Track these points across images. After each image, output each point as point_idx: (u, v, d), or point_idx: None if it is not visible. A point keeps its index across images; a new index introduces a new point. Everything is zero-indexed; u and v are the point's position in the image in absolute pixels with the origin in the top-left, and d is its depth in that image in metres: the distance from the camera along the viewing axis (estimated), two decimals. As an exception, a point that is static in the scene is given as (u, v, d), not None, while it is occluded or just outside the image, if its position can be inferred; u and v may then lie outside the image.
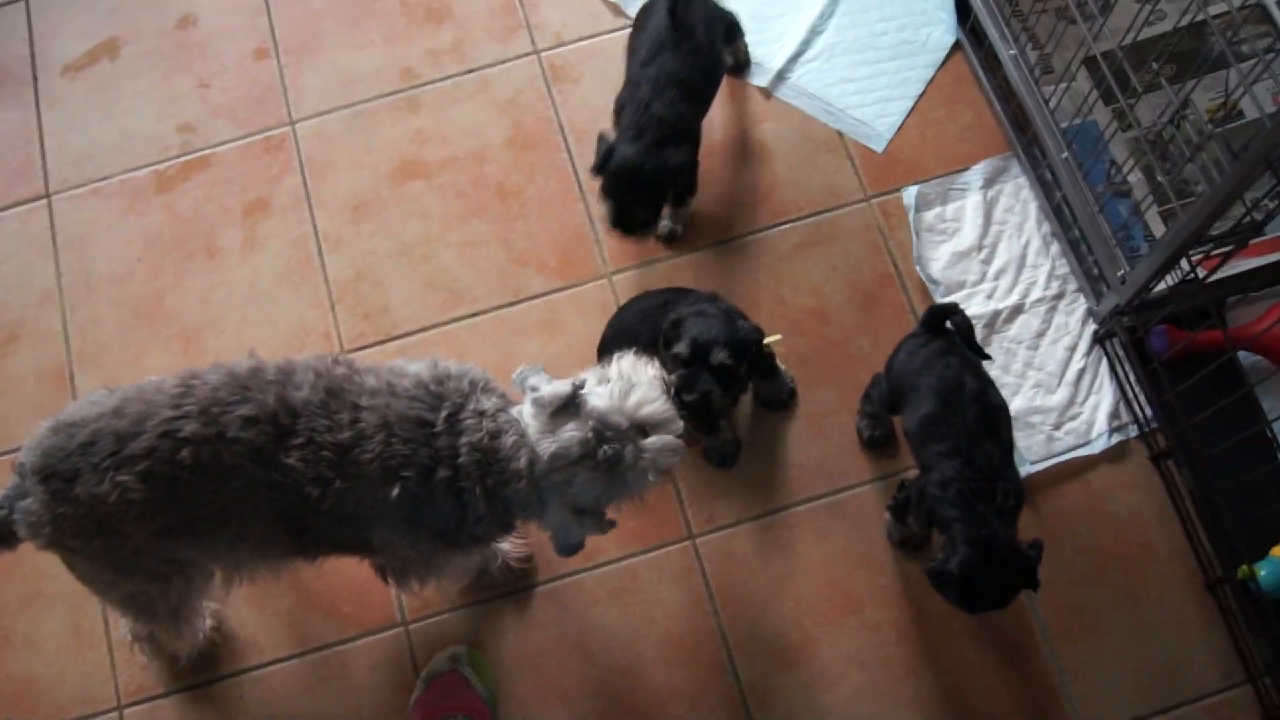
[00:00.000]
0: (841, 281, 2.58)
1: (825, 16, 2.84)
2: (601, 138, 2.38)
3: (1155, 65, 2.15)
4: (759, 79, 2.78)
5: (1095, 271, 2.51)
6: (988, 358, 2.21)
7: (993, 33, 2.60)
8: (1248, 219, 2.04)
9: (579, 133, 2.75)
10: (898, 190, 2.66)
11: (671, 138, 2.35)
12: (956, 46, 2.80)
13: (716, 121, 2.75)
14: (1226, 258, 2.20)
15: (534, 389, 1.80)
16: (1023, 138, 2.64)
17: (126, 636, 2.22)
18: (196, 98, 2.85)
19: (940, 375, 2.10)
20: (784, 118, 2.75)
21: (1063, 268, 2.57)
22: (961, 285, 2.56)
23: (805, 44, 2.81)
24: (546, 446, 1.76)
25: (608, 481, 1.78)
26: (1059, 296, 2.55)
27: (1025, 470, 2.38)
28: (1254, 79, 1.90)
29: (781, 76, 2.79)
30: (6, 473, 2.44)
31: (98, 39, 2.93)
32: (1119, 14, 2.38)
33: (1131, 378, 2.44)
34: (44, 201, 2.76)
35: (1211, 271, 2.23)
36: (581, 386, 1.80)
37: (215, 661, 2.33)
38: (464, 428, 1.79)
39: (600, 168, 2.35)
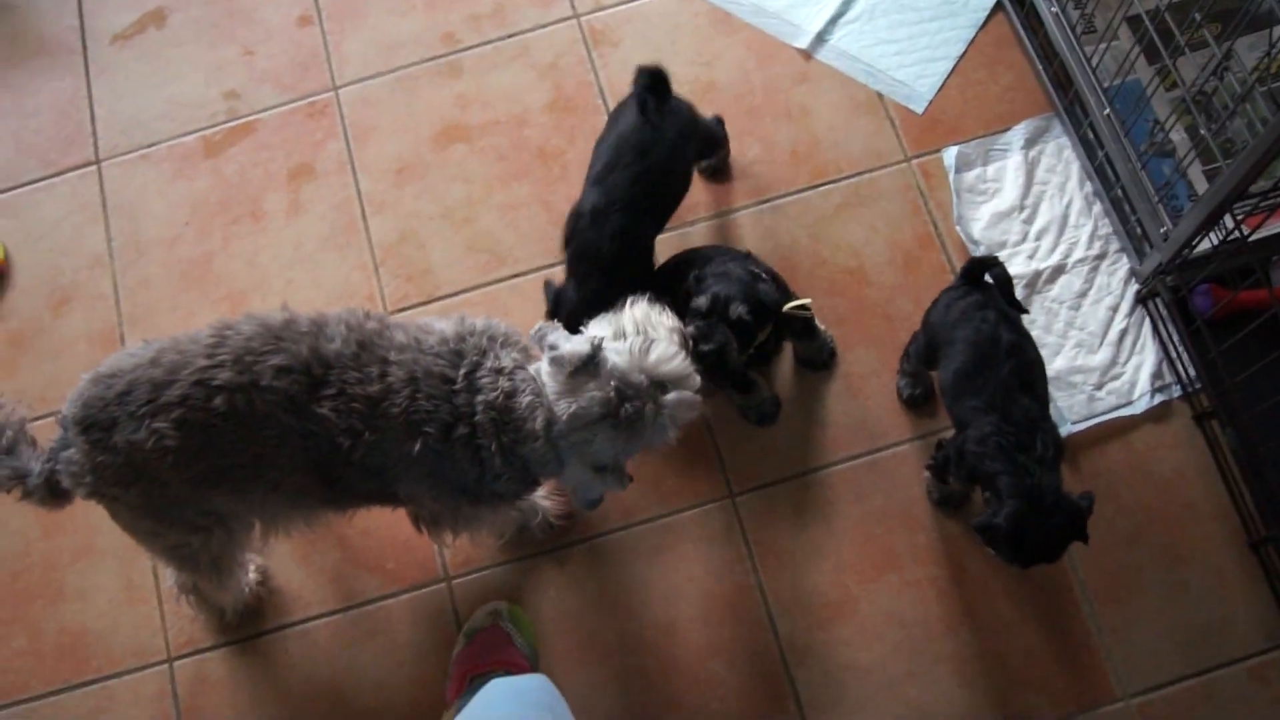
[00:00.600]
0: (881, 242, 2.58)
1: (866, -23, 2.84)
2: (547, 284, 2.40)
3: (1198, 18, 2.12)
4: (799, 41, 2.78)
5: (1138, 231, 2.49)
6: (1025, 311, 2.20)
7: (1034, -10, 2.58)
8: (1292, 174, 2.03)
9: (619, 96, 2.73)
10: (938, 151, 2.65)
11: (619, 275, 2.24)
12: (997, 7, 2.78)
13: (756, 84, 2.75)
14: (1270, 214, 2.17)
15: (552, 346, 1.81)
16: (1064, 97, 2.62)
17: (173, 588, 2.27)
18: (242, 65, 2.89)
19: (976, 328, 2.10)
20: (824, 79, 2.75)
21: (1105, 228, 2.56)
22: (1002, 245, 2.55)
23: (845, 5, 2.81)
24: (566, 407, 1.77)
25: (627, 439, 1.80)
26: (1101, 256, 2.54)
27: (1066, 430, 2.37)
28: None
29: (821, 38, 2.78)
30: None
31: (145, 8, 2.97)
32: (1162, -29, 2.36)
33: (1174, 337, 2.43)
34: (94, 168, 2.81)
35: (1255, 229, 2.21)
36: (600, 345, 1.79)
37: (261, 616, 2.38)
38: (480, 385, 1.81)
39: (553, 316, 2.31)
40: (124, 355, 1.83)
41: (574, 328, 1.98)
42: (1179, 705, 2.24)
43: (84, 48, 2.94)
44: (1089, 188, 2.59)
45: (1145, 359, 2.45)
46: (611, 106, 2.73)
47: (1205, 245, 2.31)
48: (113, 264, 2.70)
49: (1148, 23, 2.27)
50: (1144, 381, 2.43)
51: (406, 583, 2.39)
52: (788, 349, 2.49)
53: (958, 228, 2.56)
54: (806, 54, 2.77)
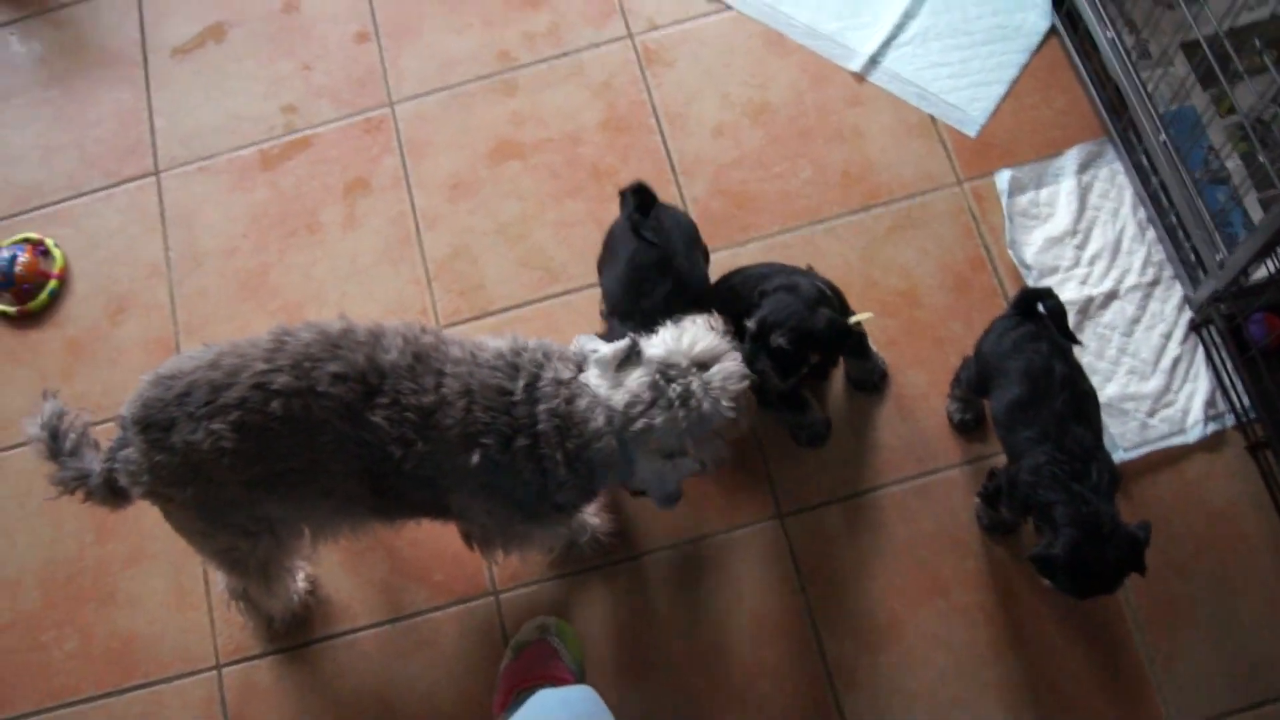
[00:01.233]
0: (933, 265, 2.58)
1: (919, 1, 2.84)
2: None
3: (1259, 44, 2.12)
4: (852, 63, 2.79)
5: (1192, 258, 2.48)
6: (1079, 343, 2.19)
7: (1089, 16, 2.58)
8: (1353, 203, 2.01)
9: (672, 116, 2.78)
10: (990, 174, 2.65)
11: None
12: (1051, 31, 2.78)
13: (809, 105, 2.76)
14: (1330, 243, 2.16)
15: (594, 350, 1.86)
16: (1118, 122, 2.62)
17: (224, 593, 2.30)
18: (300, 79, 2.93)
19: (1029, 359, 2.09)
20: (876, 102, 2.76)
21: (1158, 254, 2.55)
22: (1055, 270, 2.54)
23: (899, 28, 2.82)
24: (620, 398, 1.80)
25: (686, 419, 1.81)
26: (1154, 283, 2.52)
27: (1118, 457, 2.35)
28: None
29: (874, 61, 2.79)
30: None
31: (206, 23, 3.03)
32: (1217, -2, 2.35)
33: (1228, 366, 2.41)
34: (153, 178, 2.85)
35: (1314, 258, 2.19)
36: (637, 341, 1.85)
37: (310, 625, 2.40)
38: (541, 395, 1.83)
39: None
40: (184, 357, 1.86)
41: None
42: (1230, 737, 2.22)
43: (145, 60, 3.00)
44: (1142, 213, 2.58)
45: (1199, 387, 2.43)
46: (665, 127, 2.76)
47: (1261, 273, 2.29)
48: (170, 274, 2.74)
49: (1205, 48, 2.26)
50: (1197, 410, 2.41)
51: (455, 595, 2.40)
52: (839, 370, 2.48)
53: (1010, 252, 2.56)
54: (860, 76, 2.78)
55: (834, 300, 2.22)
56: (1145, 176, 2.58)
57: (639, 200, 2.27)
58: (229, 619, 2.39)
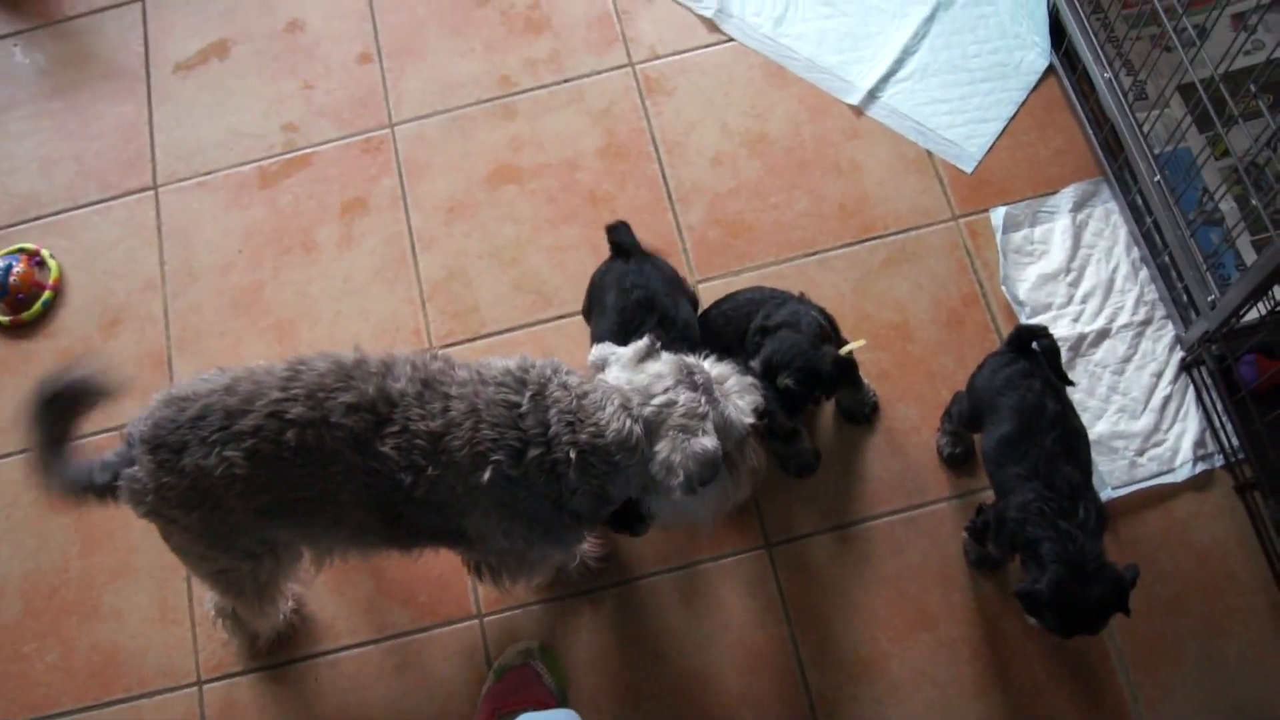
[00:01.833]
0: (926, 299, 2.59)
1: (918, 37, 2.87)
2: None
3: (1254, 88, 2.13)
4: (851, 97, 2.81)
5: (1184, 298, 2.49)
6: (1072, 383, 2.19)
7: (1087, 57, 2.60)
8: (1344, 247, 2.02)
9: (671, 144, 2.79)
10: (986, 211, 2.67)
11: None
12: (1049, 71, 2.80)
13: (807, 137, 2.78)
14: (1321, 286, 2.17)
15: (613, 353, 1.89)
16: (1114, 162, 2.63)
17: (210, 611, 2.29)
18: (301, 98, 2.95)
19: (1021, 396, 2.09)
20: (874, 136, 2.77)
21: (1151, 293, 2.56)
22: (1048, 307, 2.55)
23: (898, 64, 2.84)
24: (641, 379, 1.82)
25: (710, 405, 1.81)
26: (1146, 322, 2.53)
27: (1106, 495, 2.36)
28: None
29: (873, 95, 2.81)
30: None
31: (209, 39, 3.05)
32: (1214, 42, 2.37)
33: (1218, 406, 2.41)
34: (152, 192, 2.86)
35: (1304, 301, 2.20)
36: (656, 342, 1.87)
37: (293, 643, 2.39)
38: (551, 400, 1.82)
39: None
40: (198, 380, 1.84)
41: None
42: (1214, 780, 2.21)
43: (148, 75, 3.02)
44: (1136, 253, 2.59)
45: (1188, 427, 2.43)
46: (664, 155, 2.77)
47: (1252, 315, 2.31)
48: (164, 288, 2.74)
49: (1201, 91, 2.28)
50: (1186, 449, 2.41)
51: (439, 617, 2.39)
52: (830, 401, 2.49)
53: (1003, 288, 2.57)
54: (858, 110, 2.80)
55: (831, 332, 2.23)
56: (1140, 216, 2.59)
57: (619, 235, 2.35)
58: (212, 635, 2.38)
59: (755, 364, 2.15)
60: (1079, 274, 2.59)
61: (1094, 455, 2.27)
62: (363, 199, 2.80)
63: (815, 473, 2.44)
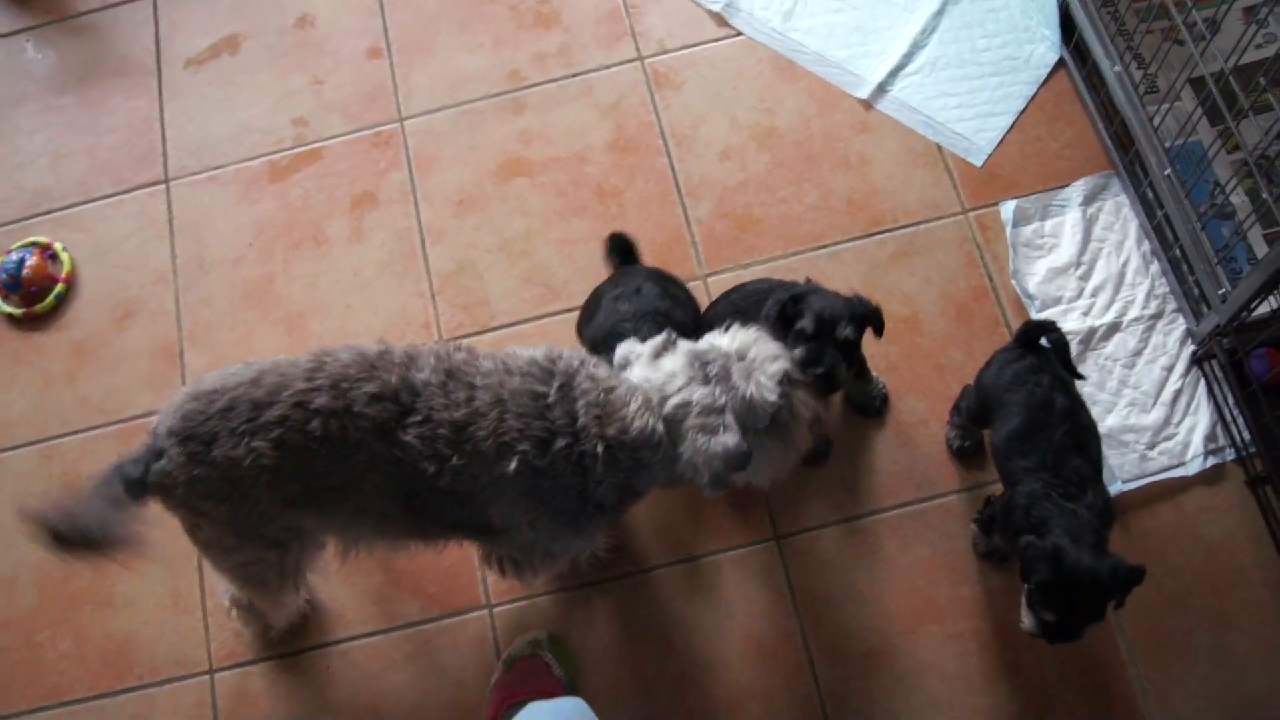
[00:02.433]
0: (935, 293, 2.59)
1: (928, 31, 2.86)
2: None
3: (1263, 81, 2.13)
4: (860, 91, 2.81)
5: (1195, 292, 2.48)
6: (1082, 377, 2.18)
7: (1097, 50, 2.60)
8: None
9: (680, 138, 2.79)
10: (995, 204, 2.66)
11: None
12: (1059, 64, 2.80)
13: (816, 131, 2.78)
14: (1333, 279, 2.16)
15: (633, 351, 1.89)
16: (1124, 156, 2.63)
17: (225, 601, 2.30)
18: (311, 93, 2.95)
19: (1030, 391, 2.08)
20: (883, 129, 2.77)
21: (1162, 287, 2.55)
22: (1058, 301, 2.55)
23: (907, 57, 2.84)
24: (657, 377, 1.82)
25: (726, 394, 1.80)
26: (1157, 316, 2.53)
27: (1117, 489, 2.35)
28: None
29: (882, 89, 2.81)
30: (112, 444, 2.56)
31: (219, 35, 3.06)
32: (1225, 36, 2.37)
33: (1229, 400, 2.41)
34: (163, 187, 2.87)
35: (1316, 294, 2.20)
36: (674, 334, 1.89)
37: (304, 633, 2.39)
38: (578, 392, 1.83)
39: None
40: (225, 373, 1.85)
41: None
42: (1224, 774, 2.21)
43: (159, 70, 3.03)
44: (1147, 247, 2.59)
45: (1199, 421, 2.43)
46: (673, 148, 2.78)
47: (1264, 309, 2.30)
48: (176, 281, 2.76)
49: (1211, 85, 2.27)
50: (1197, 443, 2.41)
51: (448, 608, 2.40)
52: (839, 395, 2.49)
53: (1013, 282, 2.56)
54: (867, 104, 2.80)
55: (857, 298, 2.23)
56: (1150, 210, 2.59)
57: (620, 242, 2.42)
58: (224, 624, 2.39)
59: (806, 324, 2.12)
60: (1089, 268, 2.59)
61: (1105, 449, 2.26)
62: (372, 193, 2.81)
63: (827, 460, 2.44)
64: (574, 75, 2.91)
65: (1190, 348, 2.49)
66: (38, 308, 2.73)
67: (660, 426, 1.81)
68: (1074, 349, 2.40)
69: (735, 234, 2.68)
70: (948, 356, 2.53)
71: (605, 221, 2.70)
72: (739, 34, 2.92)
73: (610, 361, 1.96)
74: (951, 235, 2.65)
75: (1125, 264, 2.58)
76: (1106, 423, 2.42)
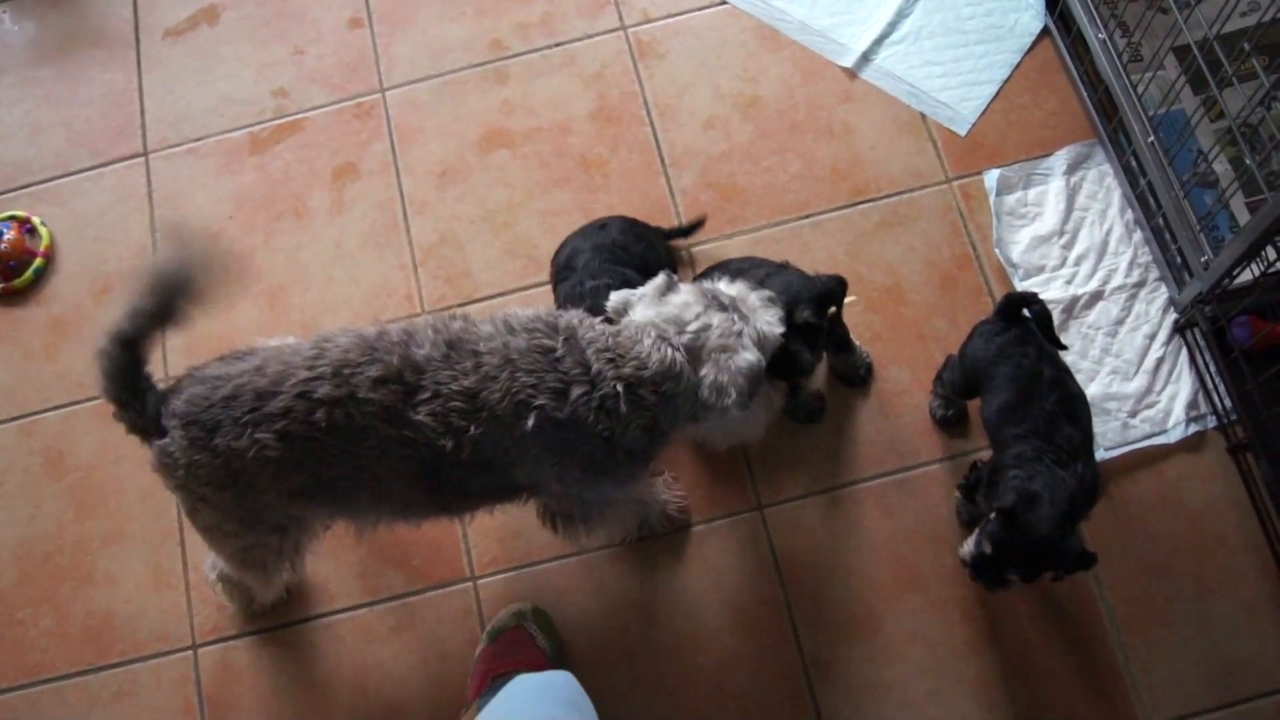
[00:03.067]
0: (919, 262, 2.58)
1: (912, 0, 2.85)
2: None
3: (1248, 47, 2.12)
4: (844, 60, 2.79)
5: (1178, 260, 2.48)
6: (1064, 348, 2.17)
7: (1082, 18, 2.58)
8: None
9: (663, 108, 2.78)
10: (979, 173, 2.66)
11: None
12: (1044, 33, 2.79)
13: (800, 100, 2.77)
14: (1315, 246, 2.16)
15: (633, 295, 1.90)
16: (1108, 124, 2.62)
17: (211, 575, 2.29)
18: (291, 64, 2.93)
19: (1018, 364, 2.08)
20: (867, 99, 2.76)
21: (1145, 256, 2.55)
22: (1041, 270, 2.55)
23: (891, 26, 2.82)
24: (670, 310, 1.83)
25: (742, 321, 1.84)
26: (1140, 284, 2.53)
27: (1100, 456, 2.36)
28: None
29: (866, 58, 2.79)
30: (92, 419, 2.54)
31: (198, 5, 3.03)
32: (1209, 3, 2.36)
33: (1211, 368, 2.41)
34: (142, 159, 2.85)
35: (1297, 261, 2.20)
36: (673, 276, 1.90)
37: (287, 606, 2.39)
38: (585, 341, 1.82)
39: None
40: (227, 361, 1.83)
41: None
42: (1205, 738, 2.23)
43: (137, 41, 3.00)
44: (1130, 215, 2.59)
45: (1181, 388, 2.43)
46: (656, 118, 2.76)
47: (1246, 276, 2.30)
48: (156, 254, 2.73)
49: (1196, 52, 2.26)
50: (1179, 411, 2.41)
51: (432, 580, 2.40)
52: (822, 364, 2.49)
53: (996, 250, 2.56)
54: (851, 73, 2.79)
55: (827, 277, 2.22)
56: (1134, 178, 2.58)
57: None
58: (206, 599, 2.39)
59: None
60: (1072, 236, 2.59)
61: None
62: (354, 164, 2.79)
63: (823, 417, 2.45)
64: (556, 45, 2.89)
65: (1172, 316, 2.49)
66: (16, 282, 2.70)
67: (680, 355, 1.80)
68: (1057, 318, 2.40)
69: (719, 204, 2.67)
70: (931, 326, 2.53)
71: (588, 192, 2.69)
72: (722, 2, 2.90)
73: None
74: (935, 204, 2.64)
75: (1108, 232, 2.58)
76: (1089, 391, 2.41)
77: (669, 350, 1.80)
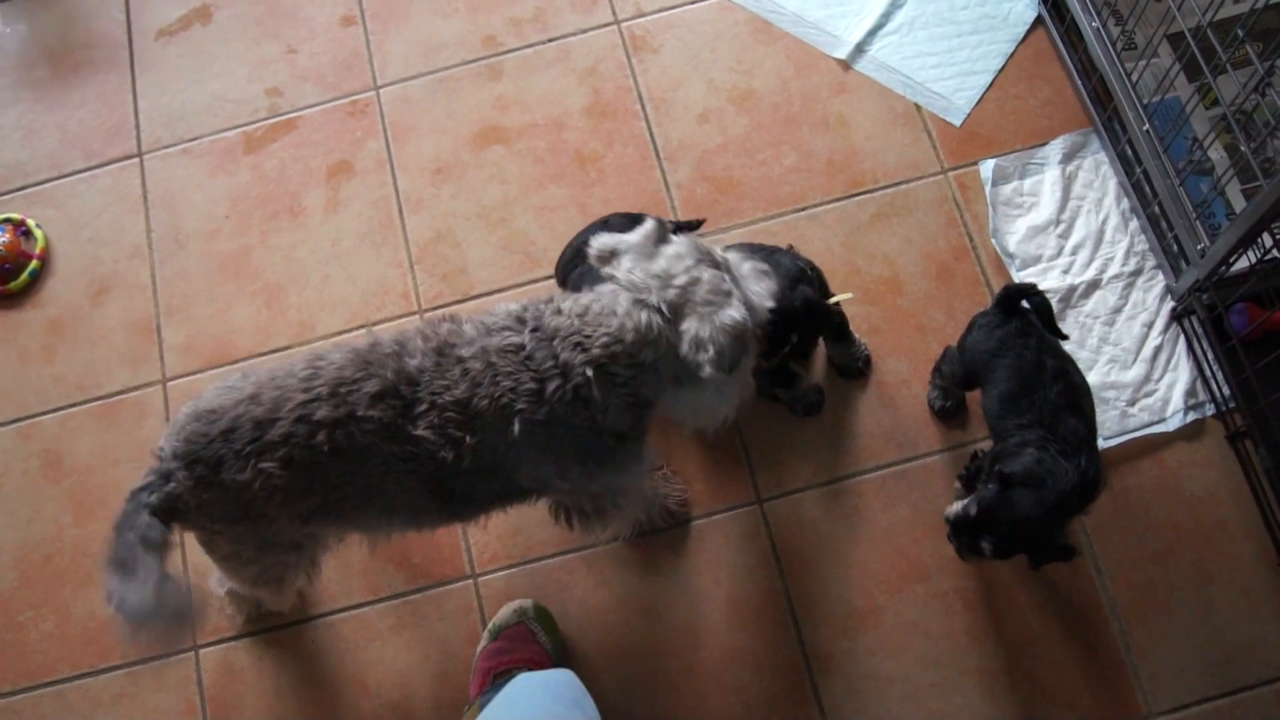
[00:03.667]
0: (916, 253, 2.58)
1: (906, -10, 2.85)
2: None
3: (1241, 34, 2.11)
4: (838, 51, 2.79)
5: (1174, 248, 2.48)
6: (1065, 337, 2.16)
7: (1075, 6, 2.58)
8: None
9: (658, 102, 2.77)
10: (975, 164, 2.65)
11: None
12: (1037, 22, 2.78)
13: (794, 93, 2.76)
14: (1311, 233, 2.16)
15: (620, 241, 1.81)
16: (1103, 113, 2.62)
17: (220, 591, 2.28)
18: (285, 63, 2.92)
19: (1019, 355, 2.07)
20: (862, 90, 2.76)
21: (1141, 244, 2.55)
22: (1038, 259, 2.55)
23: (885, 17, 2.82)
24: (660, 264, 1.75)
25: (733, 283, 1.76)
26: (1137, 273, 2.53)
27: (1098, 445, 2.35)
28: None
29: (861, 49, 2.79)
30: (90, 421, 2.54)
31: (191, 5, 3.02)
32: (1203, -10, 2.35)
33: (1209, 355, 2.41)
34: (136, 160, 2.84)
35: (1294, 248, 2.20)
36: (665, 223, 1.83)
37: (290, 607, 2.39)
38: (550, 330, 1.77)
39: None
40: (222, 389, 1.79)
41: None
42: (1206, 725, 2.23)
43: (130, 42, 2.99)
44: (1126, 204, 2.59)
45: (1179, 376, 2.43)
46: (650, 112, 2.76)
47: (1242, 264, 2.30)
48: (151, 255, 2.73)
49: (1190, 39, 2.26)
50: (1177, 399, 2.41)
51: (433, 578, 2.39)
52: (821, 355, 2.49)
53: (993, 240, 2.56)
54: (845, 64, 2.78)
55: (814, 279, 2.22)
56: (1129, 167, 2.58)
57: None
58: (206, 600, 2.38)
59: None
60: (1069, 225, 2.59)
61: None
62: (349, 162, 2.79)
63: (821, 410, 2.45)
64: (550, 40, 2.89)
65: (1170, 304, 2.49)
66: (12, 285, 2.70)
67: (657, 319, 1.73)
68: (1054, 307, 2.39)
69: (715, 197, 2.67)
70: (929, 317, 2.52)
71: (584, 188, 2.69)
72: (716, -5, 2.90)
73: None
74: (931, 195, 2.64)
75: (1104, 221, 2.58)
76: (1088, 380, 2.41)
77: (644, 314, 1.73)
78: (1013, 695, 2.24)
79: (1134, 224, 2.57)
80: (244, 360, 2.59)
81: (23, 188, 2.84)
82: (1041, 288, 2.14)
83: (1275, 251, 2.23)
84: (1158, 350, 2.46)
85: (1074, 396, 2.04)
